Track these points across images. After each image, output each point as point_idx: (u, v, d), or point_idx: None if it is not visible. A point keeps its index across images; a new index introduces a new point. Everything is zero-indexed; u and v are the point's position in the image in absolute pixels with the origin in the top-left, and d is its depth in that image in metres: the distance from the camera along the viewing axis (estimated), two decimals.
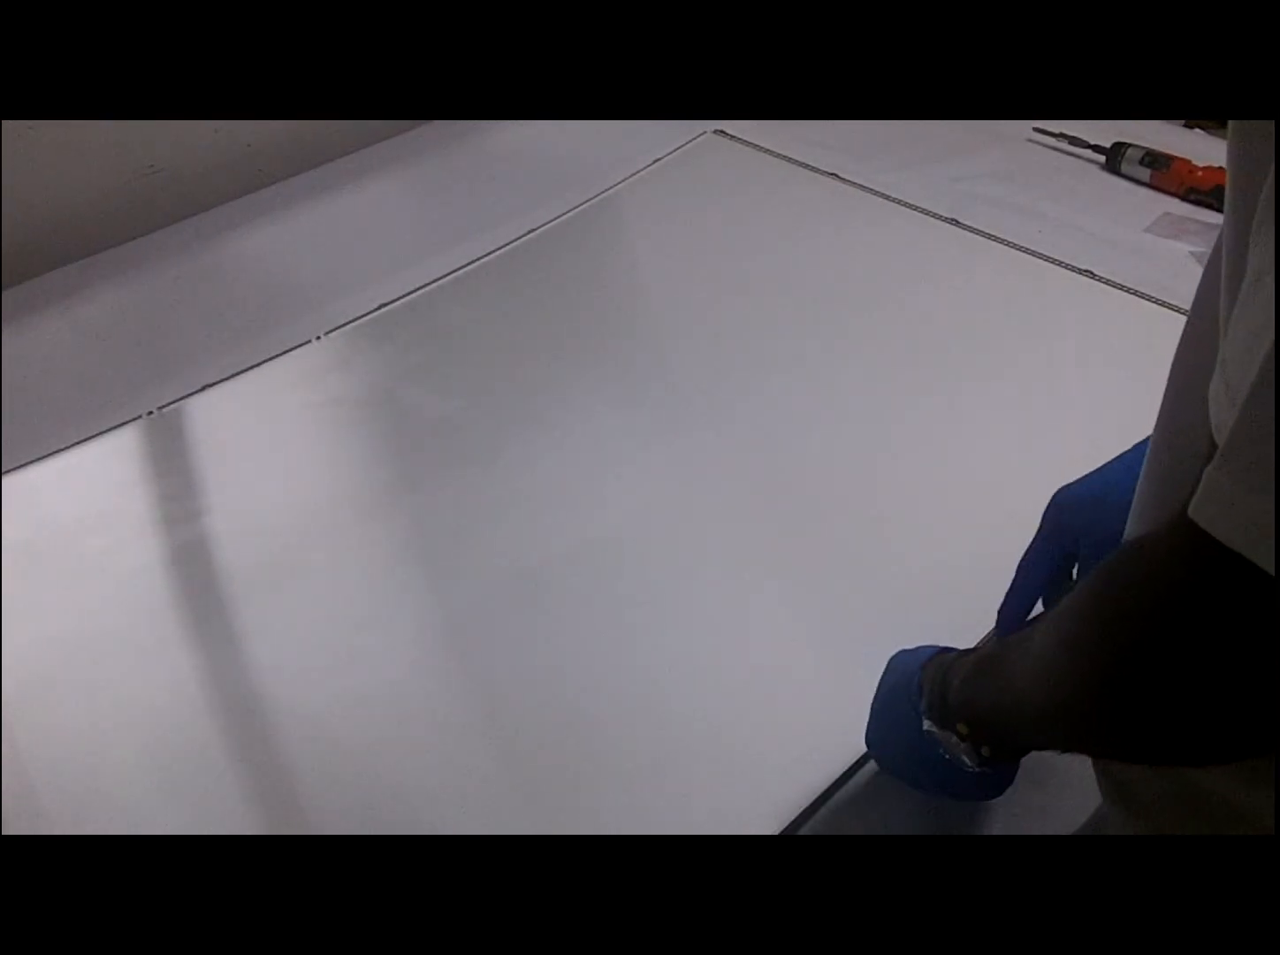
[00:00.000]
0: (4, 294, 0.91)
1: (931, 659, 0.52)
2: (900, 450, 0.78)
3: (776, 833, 0.56)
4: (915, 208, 1.01)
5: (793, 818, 0.56)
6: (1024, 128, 1.11)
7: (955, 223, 0.99)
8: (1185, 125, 1.16)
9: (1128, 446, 0.51)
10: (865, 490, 0.75)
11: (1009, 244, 0.96)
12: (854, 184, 1.04)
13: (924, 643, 0.54)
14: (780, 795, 0.57)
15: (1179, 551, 0.31)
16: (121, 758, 0.60)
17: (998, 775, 0.51)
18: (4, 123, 0.87)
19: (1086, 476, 0.53)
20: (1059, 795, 0.58)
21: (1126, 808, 0.44)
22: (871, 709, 0.55)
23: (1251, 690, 0.32)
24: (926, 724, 0.49)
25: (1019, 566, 0.55)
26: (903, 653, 0.55)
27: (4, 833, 0.55)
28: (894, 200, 1.02)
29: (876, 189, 1.03)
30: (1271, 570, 0.28)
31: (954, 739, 0.48)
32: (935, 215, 1.00)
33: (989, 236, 0.97)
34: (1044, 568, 0.54)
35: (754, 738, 0.60)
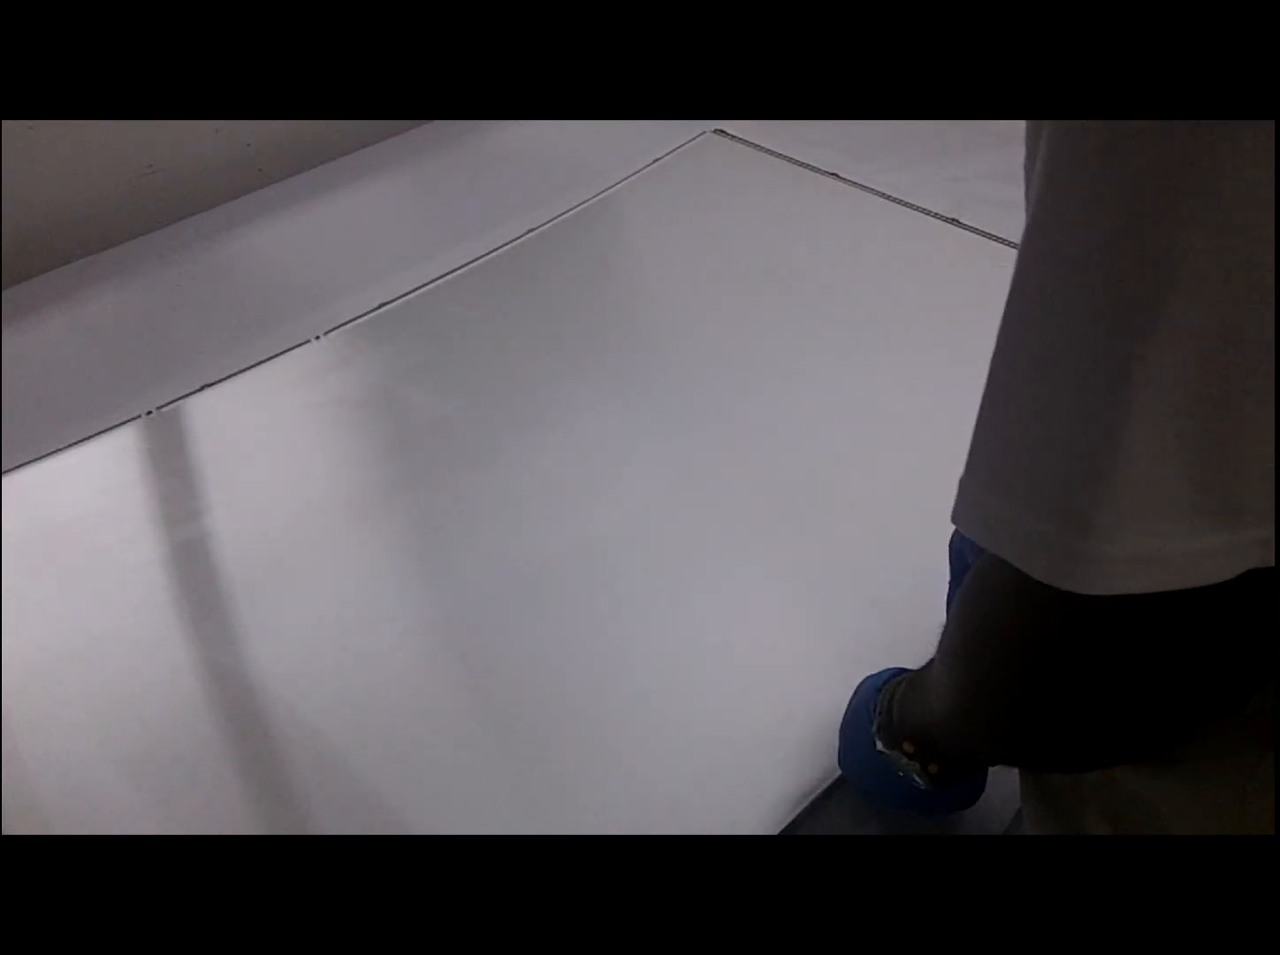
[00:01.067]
0: (4, 294, 0.90)
1: (888, 681, 0.52)
2: (902, 448, 0.78)
3: (777, 832, 0.56)
4: (915, 207, 1.01)
5: (793, 818, 0.56)
6: (1024, 126, 1.11)
7: (955, 222, 0.99)
8: None
9: None
10: (867, 490, 0.75)
11: (1010, 244, 0.96)
12: (854, 184, 1.04)
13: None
14: (779, 795, 0.57)
15: (986, 560, 0.32)
16: (120, 756, 0.60)
17: (952, 792, 0.52)
18: (4, 123, 0.87)
19: None
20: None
21: (1040, 800, 0.44)
22: (839, 731, 0.56)
23: (1068, 690, 0.32)
24: (879, 744, 0.50)
25: (946, 609, 0.55)
26: (869, 677, 0.56)
27: (3, 832, 0.55)
28: (894, 200, 1.02)
29: (876, 188, 1.03)
30: (1020, 564, 0.28)
31: (903, 758, 0.49)
32: (935, 215, 1.00)
33: (989, 236, 0.97)
34: None
35: (753, 739, 0.60)
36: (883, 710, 0.50)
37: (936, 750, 0.48)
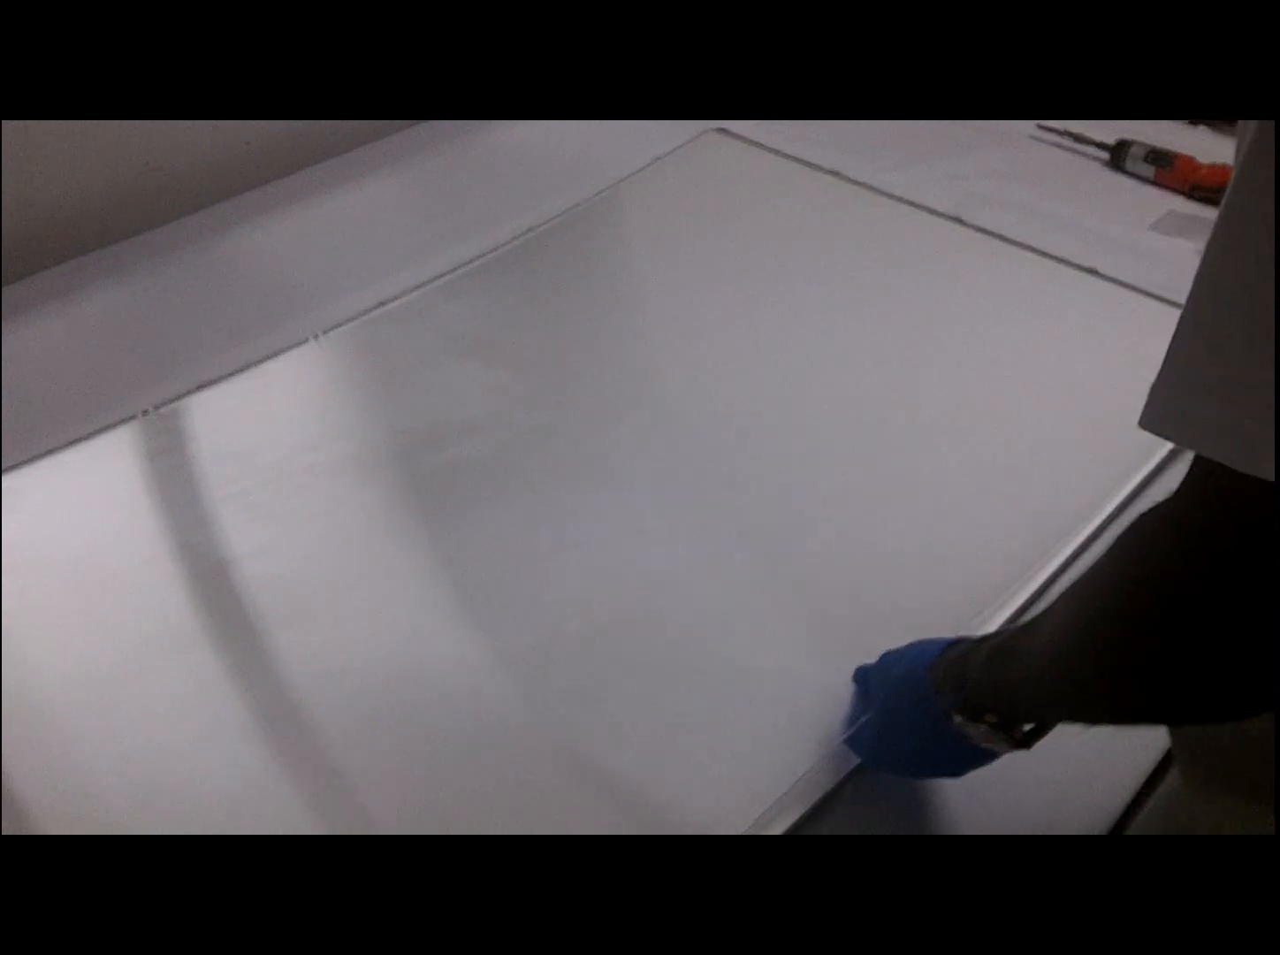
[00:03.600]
0: (3, 292, 0.90)
1: (940, 656, 0.52)
2: (902, 446, 0.78)
3: (781, 833, 0.56)
4: (917, 206, 1.00)
5: (794, 817, 0.56)
6: (1027, 125, 1.11)
7: (958, 221, 0.98)
8: (1189, 123, 1.16)
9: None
10: (866, 486, 0.75)
11: (1012, 242, 0.96)
12: (856, 182, 1.04)
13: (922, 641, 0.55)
14: (779, 794, 0.57)
15: (1177, 498, 0.34)
16: (117, 757, 0.59)
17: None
18: (4, 123, 0.86)
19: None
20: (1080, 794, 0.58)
21: (1194, 762, 0.45)
22: (879, 715, 0.55)
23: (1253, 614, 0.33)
24: (958, 719, 0.49)
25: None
26: (884, 659, 0.56)
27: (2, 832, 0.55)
28: (896, 198, 1.01)
29: (878, 187, 1.03)
30: (1223, 458, 0.30)
31: (984, 730, 0.49)
32: (938, 213, 0.99)
33: (992, 234, 0.97)
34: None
35: (754, 738, 0.60)
36: (952, 686, 0.50)
37: (1029, 715, 0.48)
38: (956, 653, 0.51)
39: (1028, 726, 0.49)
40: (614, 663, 0.64)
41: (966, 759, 0.51)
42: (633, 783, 0.59)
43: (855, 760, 0.58)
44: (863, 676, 0.60)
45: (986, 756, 0.51)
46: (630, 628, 0.66)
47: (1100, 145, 1.08)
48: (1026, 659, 0.45)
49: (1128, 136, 1.06)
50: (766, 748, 0.60)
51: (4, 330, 0.86)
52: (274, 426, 0.81)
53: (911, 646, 0.55)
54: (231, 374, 0.84)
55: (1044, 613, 0.44)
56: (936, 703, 0.50)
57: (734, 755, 0.60)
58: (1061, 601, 0.42)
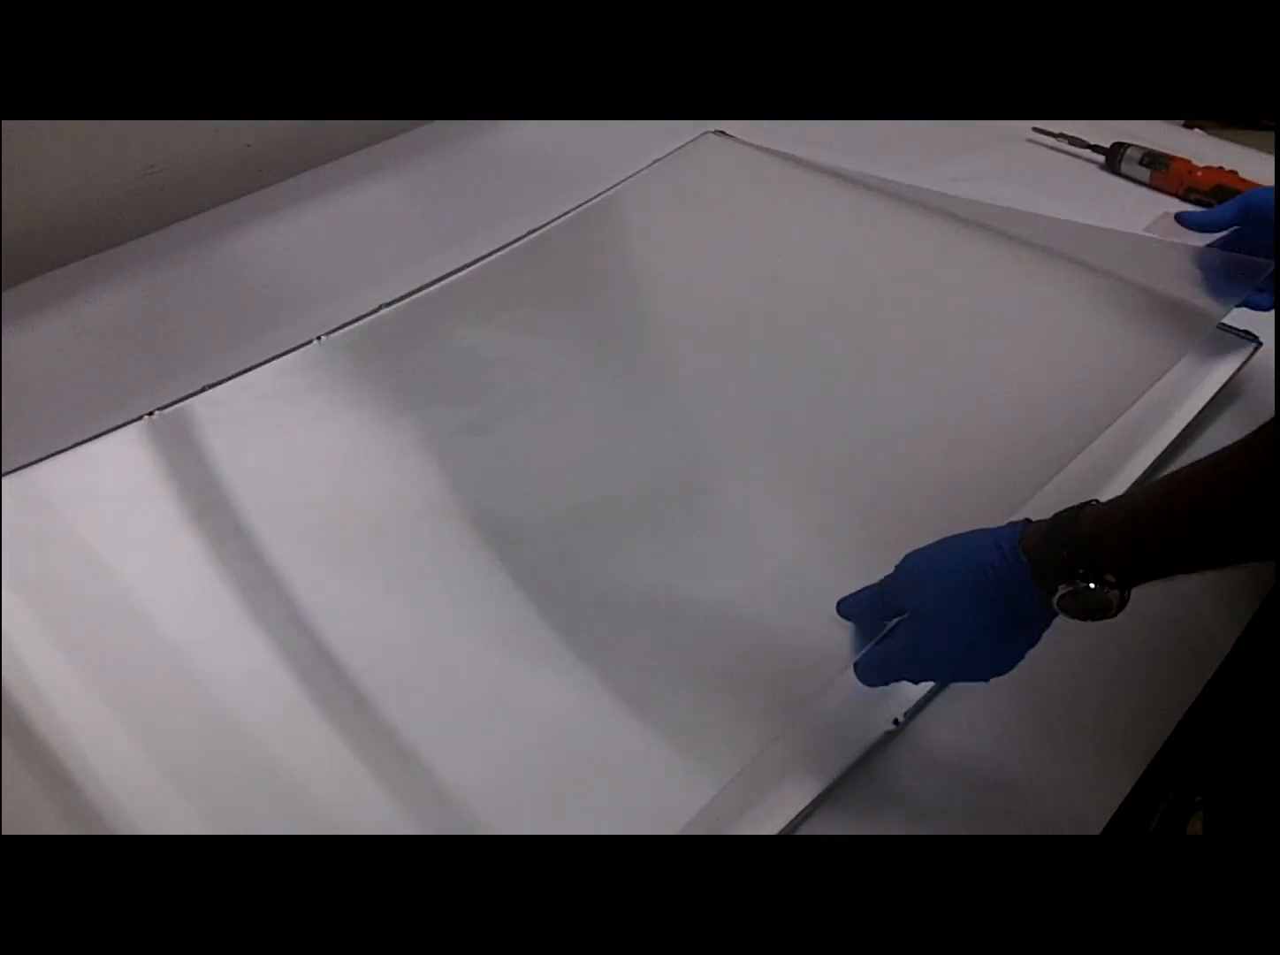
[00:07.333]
0: (4, 294, 0.90)
1: (1036, 529, 0.52)
2: (901, 444, 0.78)
3: (775, 832, 0.56)
4: (916, 206, 1.01)
5: (792, 816, 0.56)
6: (1023, 127, 1.11)
7: (955, 221, 0.99)
8: (1185, 125, 1.17)
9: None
10: (865, 485, 0.75)
11: (1009, 242, 0.96)
12: (854, 183, 1.04)
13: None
14: (780, 792, 0.57)
15: None
16: (119, 758, 0.60)
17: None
18: (4, 123, 0.87)
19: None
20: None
21: None
22: (921, 616, 0.54)
23: None
24: (1063, 589, 0.50)
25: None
26: (919, 560, 0.56)
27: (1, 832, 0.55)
28: (894, 199, 1.02)
29: (877, 189, 1.03)
30: None
31: (1104, 588, 0.49)
32: (936, 214, 1.00)
33: (990, 235, 0.97)
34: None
35: (752, 734, 0.61)
36: (1066, 550, 0.50)
37: (1145, 570, 0.50)
38: (1073, 519, 0.51)
39: (1127, 595, 0.50)
40: (639, 650, 0.64)
41: (1021, 643, 0.53)
42: (607, 773, 0.59)
43: (847, 764, 0.58)
44: (857, 604, 0.60)
45: (1036, 638, 0.53)
46: (641, 615, 0.67)
47: (1096, 148, 1.08)
48: (1200, 500, 0.48)
49: (1123, 139, 1.07)
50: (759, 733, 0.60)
51: (6, 333, 0.86)
52: (279, 426, 0.81)
53: (957, 538, 0.55)
54: (236, 375, 0.84)
55: (1212, 466, 0.48)
56: (1035, 573, 0.51)
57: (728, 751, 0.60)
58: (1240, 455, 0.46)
